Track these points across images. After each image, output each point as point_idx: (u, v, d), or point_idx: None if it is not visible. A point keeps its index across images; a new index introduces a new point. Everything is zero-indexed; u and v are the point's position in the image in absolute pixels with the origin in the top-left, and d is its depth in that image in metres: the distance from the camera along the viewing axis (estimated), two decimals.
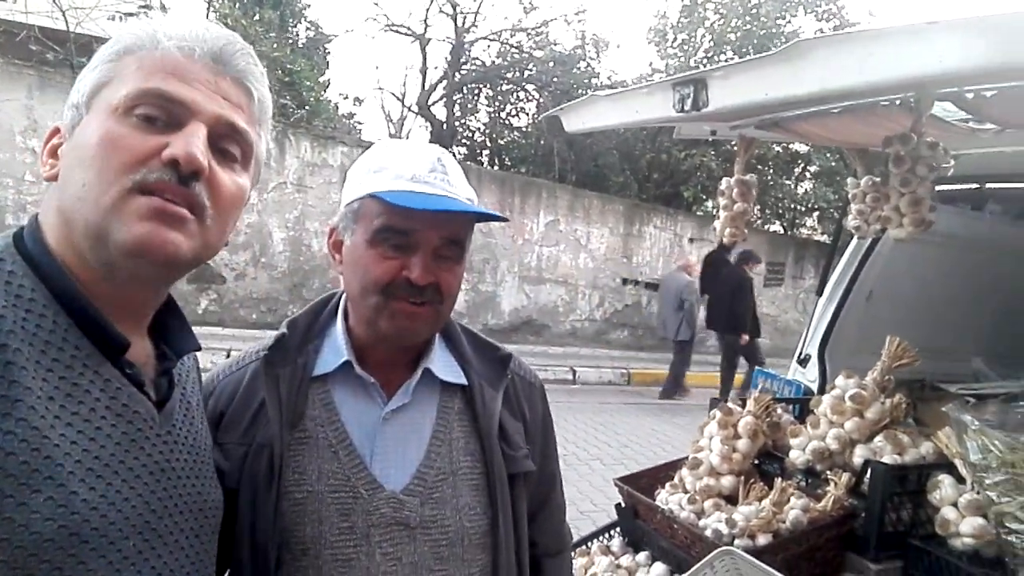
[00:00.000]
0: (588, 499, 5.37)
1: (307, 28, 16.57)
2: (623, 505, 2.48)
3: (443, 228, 1.10)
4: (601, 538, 2.55)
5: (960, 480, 1.93)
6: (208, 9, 14.11)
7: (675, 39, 16.28)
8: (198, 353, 1.05)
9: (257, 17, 13.18)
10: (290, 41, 14.98)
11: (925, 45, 1.32)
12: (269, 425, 1.11)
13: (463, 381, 1.24)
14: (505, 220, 1.23)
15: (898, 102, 2.18)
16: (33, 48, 8.72)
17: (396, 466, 1.15)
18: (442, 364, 1.24)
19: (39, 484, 0.71)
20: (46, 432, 0.73)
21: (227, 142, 0.86)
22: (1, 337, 0.72)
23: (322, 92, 15.03)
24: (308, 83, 13.47)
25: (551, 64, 15.61)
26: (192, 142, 0.80)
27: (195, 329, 1.00)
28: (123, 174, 0.77)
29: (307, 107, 12.93)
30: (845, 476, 2.09)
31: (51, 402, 0.75)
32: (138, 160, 0.78)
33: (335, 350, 1.19)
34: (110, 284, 0.83)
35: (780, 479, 2.16)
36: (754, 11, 15.13)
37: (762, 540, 1.99)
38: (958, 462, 1.97)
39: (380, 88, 20.73)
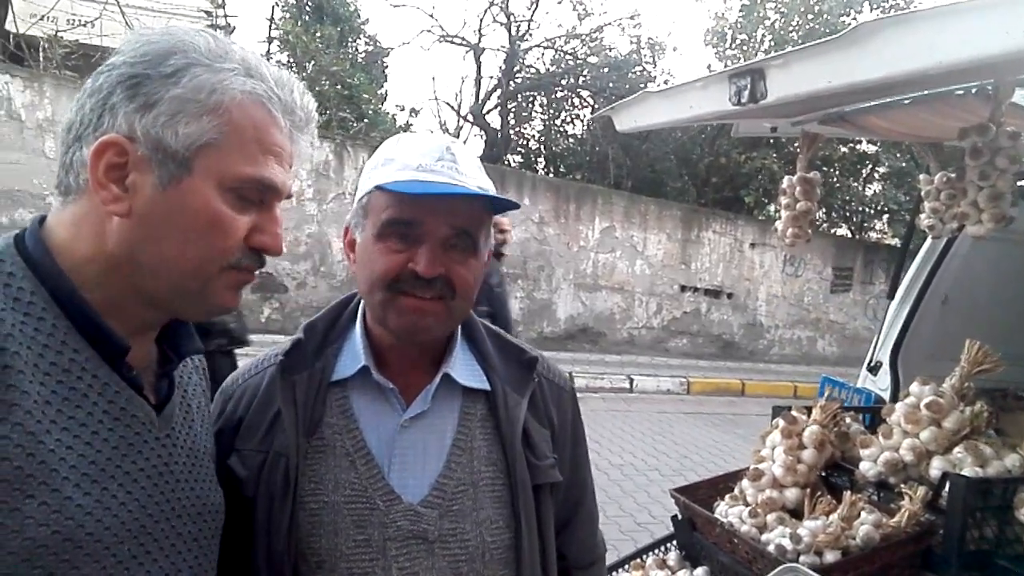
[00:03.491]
0: (646, 510, 5.25)
1: (366, 43, 16.92)
2: (680, 517, 2.39)
3: (451, 217, 1.05)
4: (657, 551, 2.47)
5: None
6: (270, 26, 14.59)
7: (734, 40, 15.93)
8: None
9: (318, 33, 13.52)
10: (349, 56, 15.32)
11: (1005, 18, 1.21)
12: (286, 433, 1.08)
13: (486, 386, 1.18)
14: (516, 207, 1.15)
15: (974, 90, 2.05)
16: None
17: (415, 476, 1.11)
18: (464, 368, 1.18)
19: (33, 489, 0.71)
20: (41, 437, 0.72)
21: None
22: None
23: (380, 104, 15.30)
24: (367, 96, 13.73)
25: (606, 70, 15.49)
26: (279, 234, 0.89)
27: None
28: (224, 256, 0.84)
29: (366, 119, 13.18)
30: (921, 490, 1.96)
31: (48, 406, 0.74)
32: (237, 245, 0.85)
33: (353, 354, 1.15)
34: (145, 311, 0.85)
35: (849, 492, 2.04)
36: (816, 8, 14.68)
37: (830, 557, 1.87)
38: None
39: (435, 99, 20.92)
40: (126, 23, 9.28)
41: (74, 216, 0.82)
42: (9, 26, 9.71)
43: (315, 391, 1.12)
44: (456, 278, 1.07)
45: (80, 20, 9.94)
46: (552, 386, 1.27)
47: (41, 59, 9.23)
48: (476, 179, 1.08)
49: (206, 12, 12.11)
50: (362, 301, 1.20)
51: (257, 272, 0.90)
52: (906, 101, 2.17)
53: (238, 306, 0.91)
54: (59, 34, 9.50)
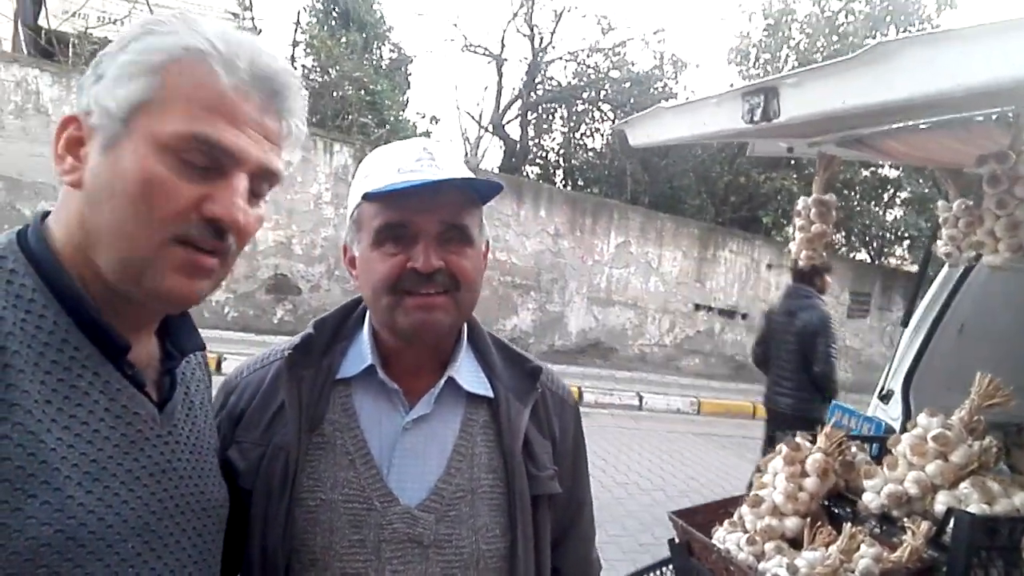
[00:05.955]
0: (649, 531, 5.17)
1: (390, 50, 17.07)
2: (676, 541, 2.34)
3: (439, 212, 1.07)
4: (654, 574, 2.41)
5: None
6: (296, 30, 14.76)
7: (758, 59, 15.89)
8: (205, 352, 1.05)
9: (343, 39, 13.64)
10: (373, 62, 15.44)
11: None
12: (288, 428, 1.09)
13: (489, 393, 1.18)
14: (500, 187, 1.14)
15: (995, 117, 2.00)
16: None
17: (413, 479, 1.11)
18: (468, 374, 1.18)
19: (35, 489, 0.71)
20: (42, 436, 0.72)
21: (260, 183, 0.86)
22: (0, 339, 0.72)
23: (402, 111, 15.40)
24: (389, 102, 13.82)
25: (627, 84, 15.51)
26: (236, 203, 0.80)
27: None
28: (165, 225, 0.77)
29: (387, 126, 13.25)
30: (924, 525, 1.89)
31: (48, 405, 0.74)
32: (180, 213, 0.77)
33: (360, 354, 1.16)
34: (123, 302, 0.83)
35: (850, 524, 1.98)
36: (841, 29, 14.61)
37: None
38: None
39: (457, 107, 21.05)
40: None
41: (59, 201, 0.83)
42: (42, 21, 9.90)
43: (320, 387, 1.13)
44: (456, 269, 1.08)
45: (110, 17, 10.11)
46: (555, 398, 1.27)
47: (70, 55, 9.39)
48: (457, 172, 1.09)
49: (233, 14, 12.28)
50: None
51: (213, 251, 0.81)
52: (925, 126, 2.13)
53: (195, 298, 0.82)
54: (89, 31, 9.66)
